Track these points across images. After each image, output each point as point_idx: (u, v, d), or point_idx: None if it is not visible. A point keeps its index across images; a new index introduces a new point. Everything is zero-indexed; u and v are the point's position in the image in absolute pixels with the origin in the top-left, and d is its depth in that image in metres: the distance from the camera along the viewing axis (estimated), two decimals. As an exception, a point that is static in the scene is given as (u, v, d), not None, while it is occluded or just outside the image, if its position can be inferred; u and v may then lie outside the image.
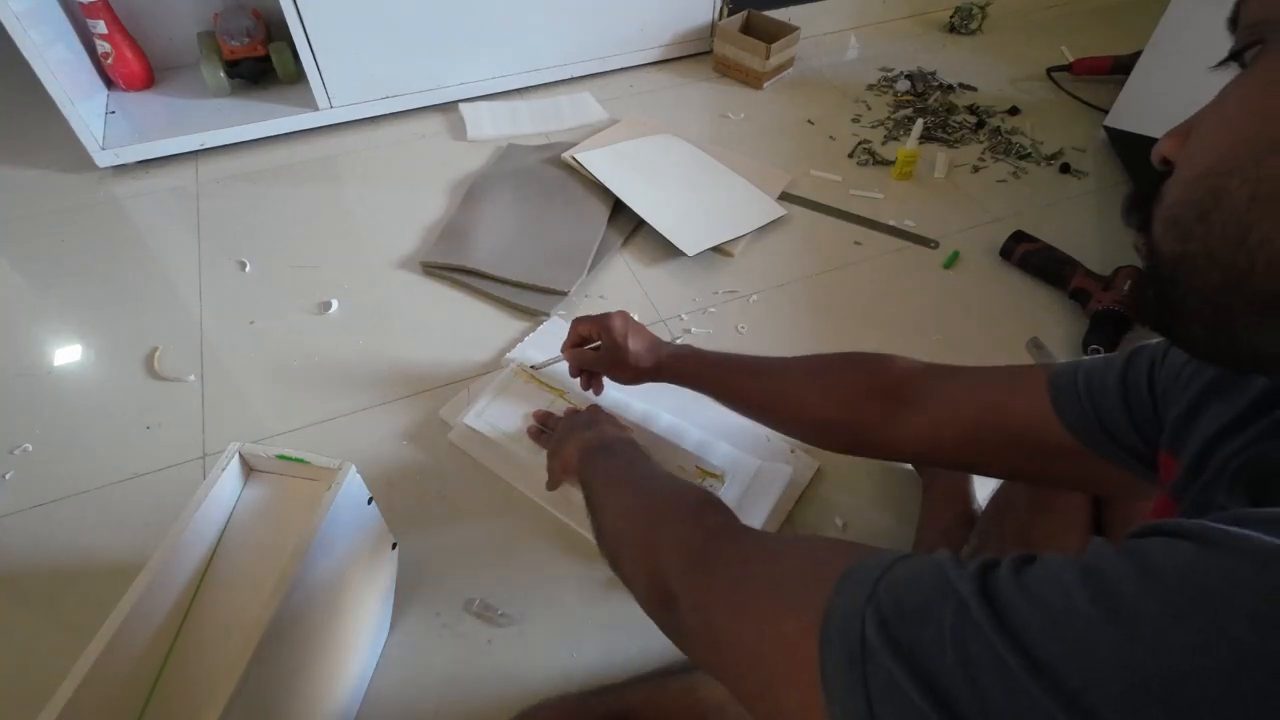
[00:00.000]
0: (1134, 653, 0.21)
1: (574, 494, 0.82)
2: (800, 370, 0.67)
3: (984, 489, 0.80)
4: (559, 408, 0.90)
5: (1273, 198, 0.26)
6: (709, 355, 0.76)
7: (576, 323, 0.83)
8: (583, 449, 0.70)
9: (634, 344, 0.78)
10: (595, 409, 0.81)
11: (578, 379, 0.88)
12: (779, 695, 0.32)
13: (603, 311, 0.82)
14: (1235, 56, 0.30)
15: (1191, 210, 0.29)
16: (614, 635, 0.74)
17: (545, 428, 0.86)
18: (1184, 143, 0.31)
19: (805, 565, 0.35)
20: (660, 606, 0.45)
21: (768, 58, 1.51)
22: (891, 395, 0.58)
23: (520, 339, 1.03)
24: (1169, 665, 0.20)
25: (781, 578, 0.35)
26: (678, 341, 1.03)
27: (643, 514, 0.52)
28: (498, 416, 0.91)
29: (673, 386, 0.96)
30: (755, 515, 0.81)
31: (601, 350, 0.80)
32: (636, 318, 1.06)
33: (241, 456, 0.61)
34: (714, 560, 0.41)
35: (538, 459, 0.86)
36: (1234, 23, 0.30)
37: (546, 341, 1.02)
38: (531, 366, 0.94)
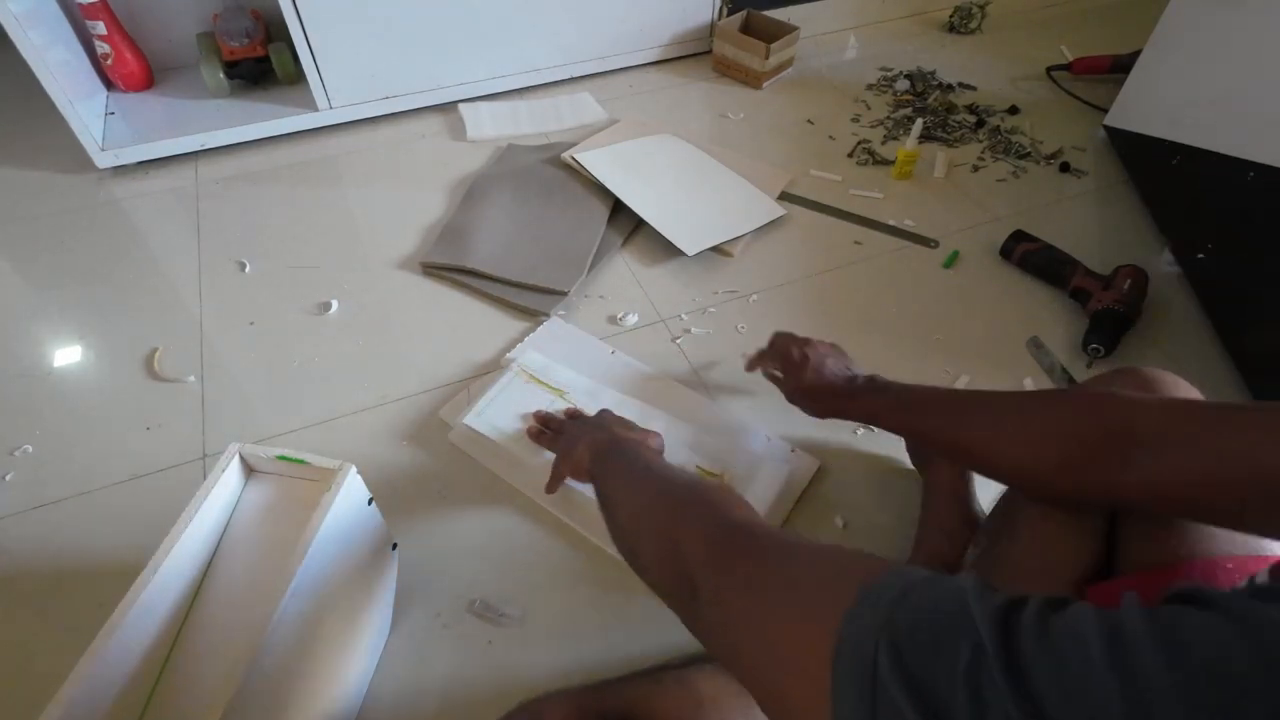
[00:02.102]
0: None
1: (574, 494, 0.83)
2: (1011, 408, 0.59)
3: (985, 491, 0.80)
4: (559, 408, 0.90)
5: None
6: (897, 392, 0.69)
7: (779, 340, 0.82)
8: (595, 449, 0.70)
9: (815, 372, 0.76)
10: (604, 412, 0.81)
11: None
12: (788, 697, 0.32)
13: (804, 336, 0.81)
14: None
15: None
16: (614, 634, 0.74)
17: (545, 428, 0.86)
18: None
19: (826, 571, 0.35)
20: (681, 597, 0.45)
21: (767, 57, 1.51)
22: (1120, 436, 0.51)
23: (520, 339, 1.03)
24: None
25: (801, 579, 0.35)
26: (676, 343, 1.04)
27: (663, 508, 0.52)
28: (498, 416, 0.91)
29: (669, 384, 0.97)
30: (755, 515, 0.81)
31: (788, 377, 0.78)
32: (635, 319, 1.06)
33: (242, 457, 0.61)
34: (736, 553, 0.41)
35: (538, 459, 0.86)
36: None
37: (546, 343, 1.02)
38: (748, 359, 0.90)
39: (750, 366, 0.86)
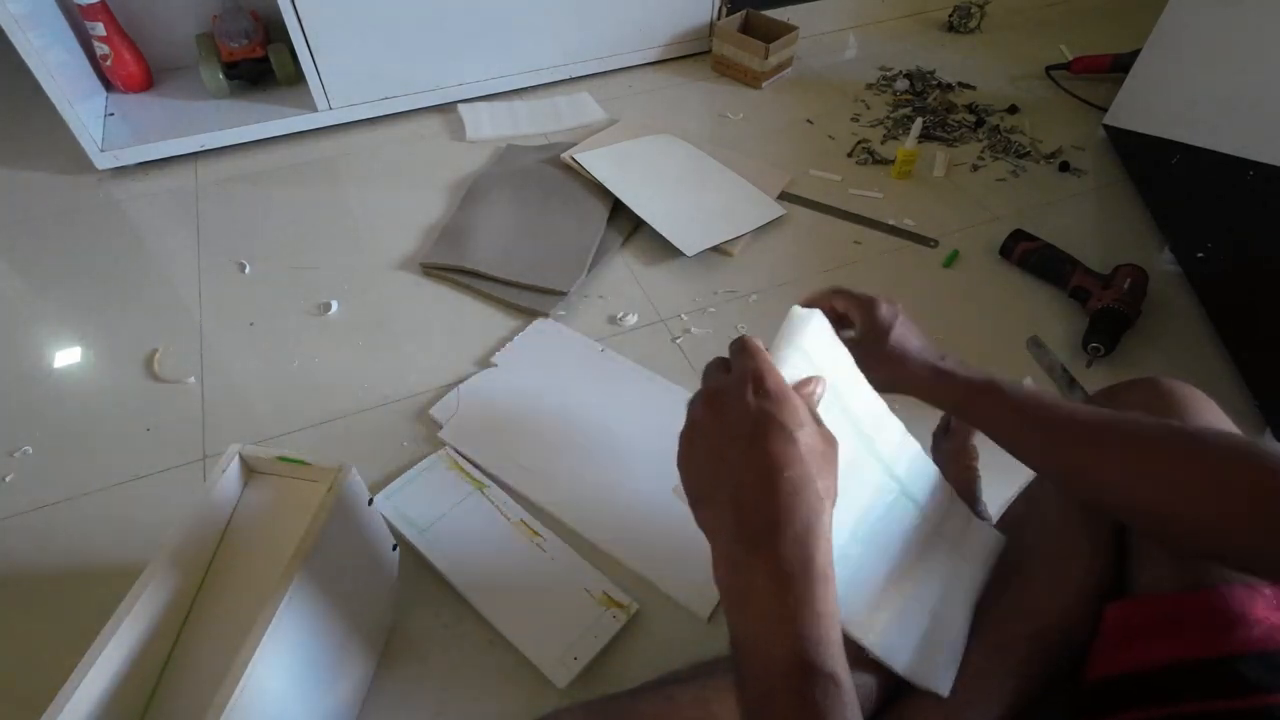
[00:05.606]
0: None
1: (573, 500, 0.82)
2: (1137, 437, 0.48)
3: (992, 491, 0.80)
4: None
5: None
6: (1001, 385, 0.56)
7: (834, 295, 0.66)
8: (764, 683, 0.44)
9: (900, 337, 0.62)
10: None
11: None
12: None
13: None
14: None
15: None
16: (614, 636, 0.74)
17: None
18: None
19: None
20: None
21: (766, 57, 1.51)
22: None
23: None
24: None
25: None
26: (676, 343, 1.04)
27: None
28: (409, 504, 0.82)
29: (666, 385, 0.96)
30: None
31: (858, 336, 0.63)
32: (634, 319, 1.06)
33: (242, 458, 0.61)
34: None
35: (538, 463, 0.86)
36: None
37: (534, 342, 1.02)
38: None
39: (819, 301, 0.67)
